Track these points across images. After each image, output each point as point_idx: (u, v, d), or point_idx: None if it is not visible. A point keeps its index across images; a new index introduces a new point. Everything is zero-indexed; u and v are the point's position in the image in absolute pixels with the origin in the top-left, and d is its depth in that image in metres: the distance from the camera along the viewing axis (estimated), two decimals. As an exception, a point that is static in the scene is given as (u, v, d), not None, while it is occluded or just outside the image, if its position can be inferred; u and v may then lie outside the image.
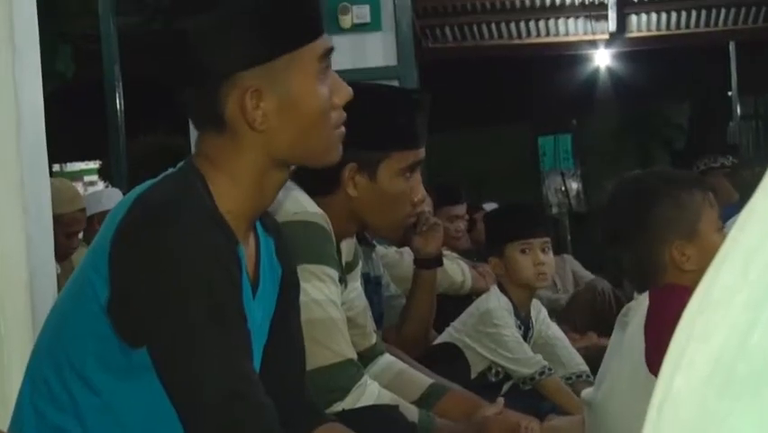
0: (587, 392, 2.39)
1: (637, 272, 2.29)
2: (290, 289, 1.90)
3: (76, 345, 1.62)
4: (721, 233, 2.21)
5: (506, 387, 3.65)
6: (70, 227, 4.38)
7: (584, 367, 3.65)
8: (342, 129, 1.78)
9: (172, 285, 1.54)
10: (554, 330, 3.79)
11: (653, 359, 2.05)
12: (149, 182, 1.67)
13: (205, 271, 1.55)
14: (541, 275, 3.55)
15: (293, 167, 1.80)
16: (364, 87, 2.75)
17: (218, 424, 1.56)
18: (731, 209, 3.43)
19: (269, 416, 1.60)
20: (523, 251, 3.53)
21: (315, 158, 1.77)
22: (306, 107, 1.70)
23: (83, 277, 1.62)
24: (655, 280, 2.22)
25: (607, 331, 6.91)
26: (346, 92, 1.77)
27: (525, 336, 3.62)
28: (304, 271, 2.24)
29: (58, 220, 4.12)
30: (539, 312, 3.76)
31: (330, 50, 1.74)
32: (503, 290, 3.61)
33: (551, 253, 3.62)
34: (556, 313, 6.43)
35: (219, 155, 1.70)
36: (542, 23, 9.81)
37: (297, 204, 2.35)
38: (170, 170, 1.72)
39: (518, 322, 3.58)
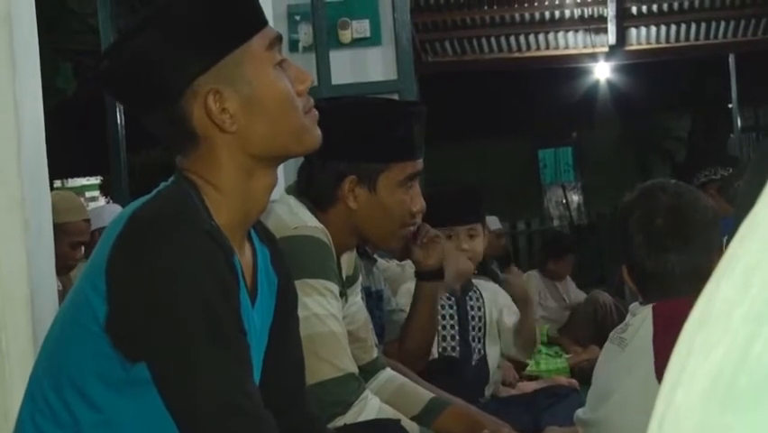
0: (582, 411, 2.36)
1: (690, 277, 2.17)
2: (287, 297, 1.90)
3: (75, 362, 1.62)
4: None
5: (492, 377, 3.70)
6: (75, 237, 4.38)
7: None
8: (315, 113, 1.79)
9: (169, 301, 1.55)
10: (504, 316, 3.82)
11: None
12: (143, 198, 1.67)
13: (202, 285, 1.56)
14: None
15: (279, 165, 1.80)
16: (361, 101, 2.76)
17: None
18: (727, 222, 3.43)
19: (266, 429, 1.60)
20: (448, 237, 3.60)
21: (294, 146, 1.77)
22: (270, 98, 1.71)
23: (80, 294, 1.62)
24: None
25: (609, 344, 6.90)
26: (307, 78, 1.78)
27: (460, 316, 3.69)
28: (304, 285, 2.24)
29: (62, 229, 4.11)
30: (495, 292, 3.84)
31: (278, 38, 1.75)
32: None
33: (478, 239, 3.68)
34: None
35: (202, 169, 1.71)
36: (541, 37, 9.82)
37: (297, 218, 2.35)
38: (164, 185, 1.72)
39: (450, 302, 3.68)
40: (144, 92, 1.69)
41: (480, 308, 3.76)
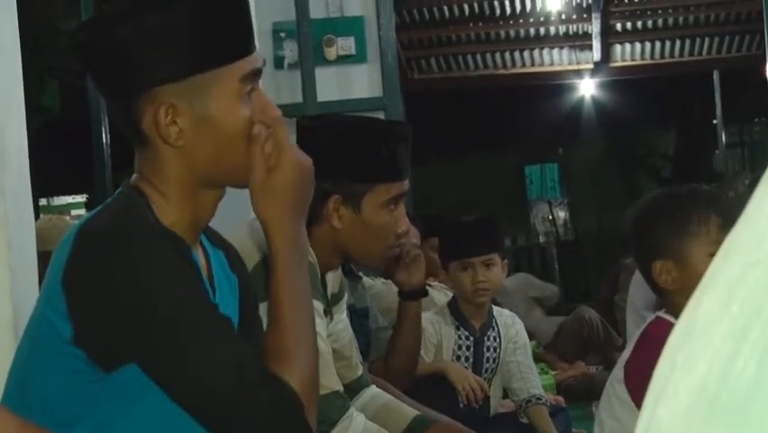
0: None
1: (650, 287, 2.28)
2: (248, 298, 1.88)
3: (45, 384, 1.59)
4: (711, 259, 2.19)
5: (492, 413, 3.66)
6: None
7: (534, 391, 3.71)
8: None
9: (139, 297, 1.53)
10: (518, 354, 3.77)
11: (631, 384, 2.12)
12: (88, 214, 1.67)
13: (167, 274, 1.55)
14: (479, 291, 3.61)
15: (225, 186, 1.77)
16: (347, 120, 2.75)
17: (251, 406, 1.56)
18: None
19: (286, 393, 1.60)
20: (464, 268, 3.61)
21: (236, 179, 1.73)
22: (224, 127, 1.67)
23: (40, 317, 1.60)
24: (661, 299, 2.24)
25: (595, 359, 6.96)
26: (272, 112, 1.72)
27: (476, 359, 3.65)
28: (289, 303, 2.23)
29: None
30: (509, 327, 3.77)
31: (257, 72, 1.71)
32: (454, 301, 3.71)
33: (495, 269, 3.64)
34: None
35: (148, 171, 1.70)
36: (526, 54, 9.86)
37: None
38: (110, 198, 1.70)
39: (465, 333, 3.66)
40: (110, 78, 1.68)
41: (495, 349, 3.71)
